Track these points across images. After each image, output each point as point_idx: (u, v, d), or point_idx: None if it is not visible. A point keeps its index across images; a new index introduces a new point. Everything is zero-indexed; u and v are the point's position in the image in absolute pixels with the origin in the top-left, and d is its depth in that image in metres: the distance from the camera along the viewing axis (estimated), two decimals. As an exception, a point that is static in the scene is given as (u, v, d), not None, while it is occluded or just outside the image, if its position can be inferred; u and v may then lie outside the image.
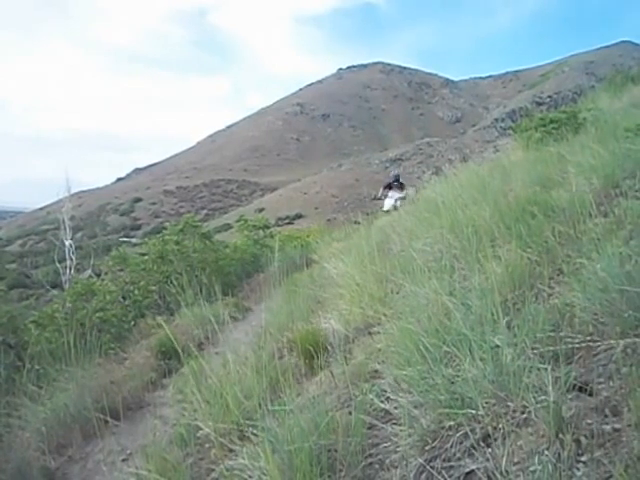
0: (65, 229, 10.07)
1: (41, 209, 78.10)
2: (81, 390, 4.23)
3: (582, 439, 1.68)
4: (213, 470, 2.69)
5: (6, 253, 55.39)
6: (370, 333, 3.45)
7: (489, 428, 1.88)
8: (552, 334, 2.16)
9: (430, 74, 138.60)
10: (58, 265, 9.74)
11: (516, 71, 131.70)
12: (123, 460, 3.47)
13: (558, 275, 2.85)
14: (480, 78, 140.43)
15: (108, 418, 3.53)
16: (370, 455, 2.18)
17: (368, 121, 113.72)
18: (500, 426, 1.86)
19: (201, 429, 2.95)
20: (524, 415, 1.84)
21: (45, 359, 4.91)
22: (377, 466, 2.12)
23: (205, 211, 63.84)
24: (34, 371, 4.87)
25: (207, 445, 2.93)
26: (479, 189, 4.76)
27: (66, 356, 4.66)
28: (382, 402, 2.37)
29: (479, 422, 1.91)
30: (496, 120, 69.87)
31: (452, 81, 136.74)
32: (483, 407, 1.92)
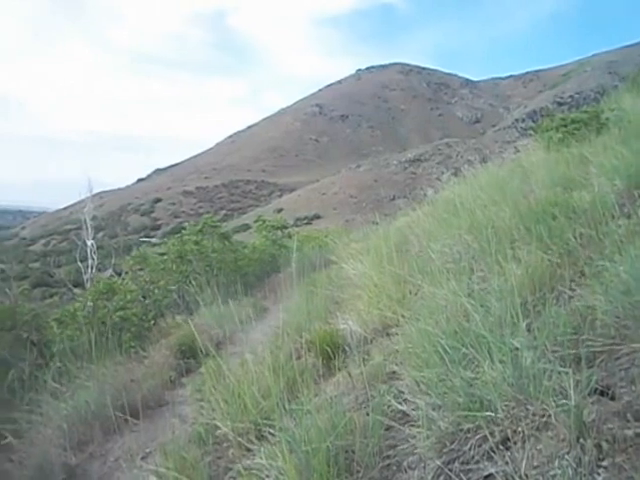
0: (87, 229, 10.20)
1: (64, 209, 79.41)
2: (102, 388, 4.29)
3: (603, 444, 1.65)
4: (231, 469, 2.71)
5: (30, 252, 56.41)
6: (388, 334, 3.45)
7: (508, 431, 1.86)
8: (573, 337, 2.13)
9: (449, 74, 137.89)
10: (80, 264, 9.87)
11: (537, 71, 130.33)
12: (142, 458, 3.50)
13: (579, 277, 2.81)
14: (500, 78, 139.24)
15: (128, 416, 3.58)
16: (387, 457, 2.18)
17: (387, 122, 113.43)
18: (520, 429, 1.84)
19: (219, 428, 2.97)
20: (544, 419, 1.82)
21: (67, 357, 4.99)
22: (394, 468, 2.11)
23: (224, 211, 64.30)
24: (56, 368, 4.95)
25: (225, 444, 2.95)
26: (498, 190, 4.72)
27: (87, 354, 4.73)
28: (400, 404, 2.36)
29: (498, 425, 1.89)
30: (516, 120, 69.12)
31: (472, 81, 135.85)
32: (502, 410, 1.90)
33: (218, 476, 2.74)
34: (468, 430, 1.95)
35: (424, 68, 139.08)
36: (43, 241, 63.50)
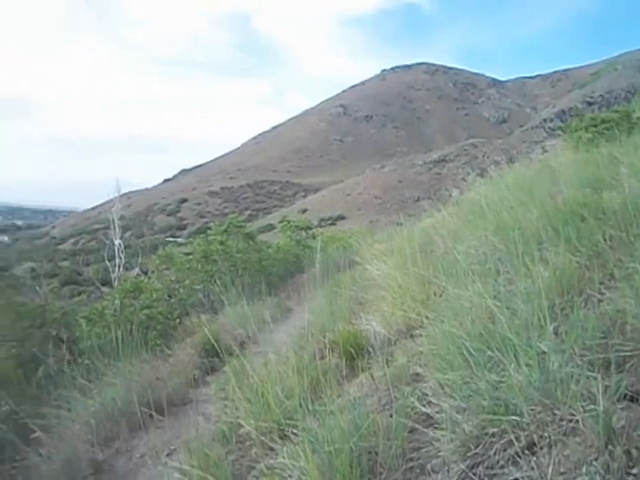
0: (115, 228, 10.40)
1: (92, 209, 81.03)
2: (128, 385, 4.35)
3: (633, 451, 1.61)
4: (254, 468, 2.72)
5: (59, 251, 57.65)
6: (412, 336, 3.43)
7: (534, 436, 1.83)
8: (602, 341, 2.08)
9: (476, 74, 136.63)
10: (108, 263, 10.07)
11: (565, 70, 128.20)
12: (167, 455, 3.55)
13: (609, 280, 2.75)
14: (528, 78, 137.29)
15: (153, 413, 3.63)
16: (411, 459, 2.16)
17: (412, 122, 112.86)
18: (546, 434, 1.81)
19: (242, 427, 2.99)
20: (572, 424, 1.79)
21: (94, 354, 5.07)
22: (418, 470, 2.10)
23: (249, 212, 64.76)
24: (84, 365, 5.04)
25: (248, 443, 2.97)
26: (526, 191, 4.65)
27: (114, 351, 4.81)
28: (423, 406, 2.35)
29: (524, 430, 1.86)
30: (544, 120, 68.15)
31: (499, 81, 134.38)
32: (528, 414, 1.87)
33: (241, 474, 2.76)
34: (493, 434, 1.93)
35: (450, 68, 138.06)
36: (72, 240, 64.86)
